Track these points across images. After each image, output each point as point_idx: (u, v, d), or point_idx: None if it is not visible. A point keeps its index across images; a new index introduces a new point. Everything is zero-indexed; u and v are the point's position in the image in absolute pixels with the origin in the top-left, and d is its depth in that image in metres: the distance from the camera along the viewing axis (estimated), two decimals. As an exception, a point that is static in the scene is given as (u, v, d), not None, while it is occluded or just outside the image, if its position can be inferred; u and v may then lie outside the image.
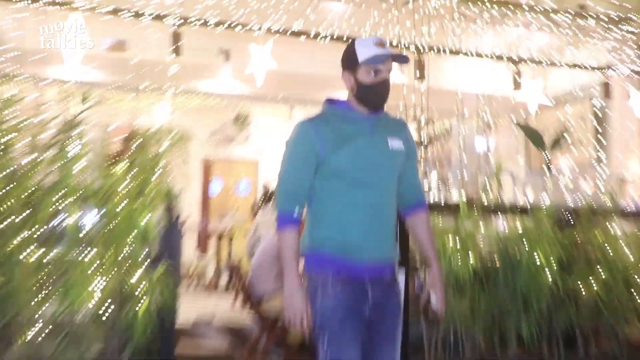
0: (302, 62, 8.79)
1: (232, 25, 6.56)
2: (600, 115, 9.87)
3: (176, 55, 6.17)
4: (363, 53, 2.79)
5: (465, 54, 7.90)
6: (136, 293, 3.37)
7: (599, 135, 9.82)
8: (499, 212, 4.74)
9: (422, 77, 7.43)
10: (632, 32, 8.53)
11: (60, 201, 3.34)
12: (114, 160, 3.73)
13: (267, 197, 9.41)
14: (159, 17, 6.10)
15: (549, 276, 4.26)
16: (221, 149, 14.11)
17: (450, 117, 11.67)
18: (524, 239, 4.37)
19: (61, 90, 4.06)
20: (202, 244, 8.57)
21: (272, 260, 5.98)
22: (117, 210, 3.35)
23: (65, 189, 3.33)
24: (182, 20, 6.24)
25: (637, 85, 8.87)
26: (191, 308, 7.71)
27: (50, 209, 3.33)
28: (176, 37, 6.15)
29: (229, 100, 11.90)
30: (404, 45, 6.95)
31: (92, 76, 8.89)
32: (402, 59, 2.92)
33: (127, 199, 3.35)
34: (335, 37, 6.87)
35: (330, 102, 2.95)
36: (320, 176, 2.80)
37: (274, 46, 7.00)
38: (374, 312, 2.77)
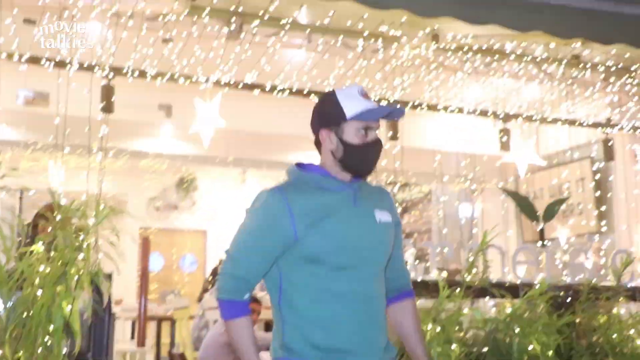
0: (256, 119, 8.87)
1: (174, 77, 6.62)
2: (601, 179, 10.03)
3: (108, 111, 6.17)
4: (351, 107, 2.59)
5: (445, 109, 8.05)
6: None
7: (600, 203, 9.96)
8: (485, 292, 4.76)
9: (394, 137, 7.53)
10: (635, 85, 8.67)
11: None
12: (30, 237, 3.68)
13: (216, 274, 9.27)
14: (88, 68, 6.13)
15: (546, 368, 4.27)
16: (163, 218, 14.08)
17: (429, 181, 11.82)
18: (514, 324, 4.38)
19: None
20: (140, 331, 8.37)
21: (222, 350, 5.95)
22: (33, 297, 3.29)
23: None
24: (114, 72, 6.28)
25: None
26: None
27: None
28: (108, 90, 6.16)
29: (171, 162, 11.89)
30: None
31: (6, 134, 8.84)
32: (398, 113, 2.71)
33: (46, 284, 3.30)
34: (294, 90, 6.96)
35: (301, 167, 2.71)
36: (292, 261, 2.57)
37: (223, 101, 7.06)
38: None
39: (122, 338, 10.36)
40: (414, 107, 7.76)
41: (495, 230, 4.79)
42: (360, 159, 2.63)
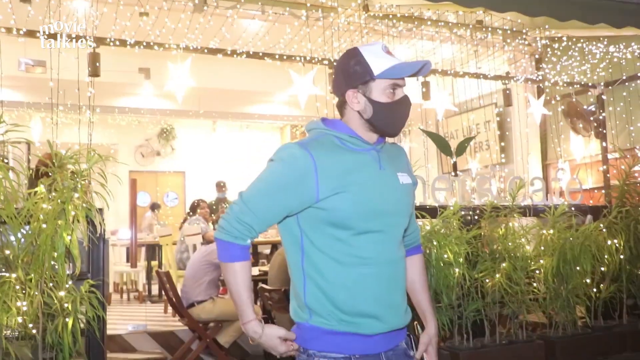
0: (221, 78, 8.85)
1: (150, 45, 6.50)
2: (502, 120, 10.31)
3: (94, 75, 6.05)
4: (377, 64, 2.04)
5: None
6: (63, 309, 3.30)
7: (501, 140, 10.24)
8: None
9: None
10: (526, 45, 8.93)
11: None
12: (34, 181, 3.65)
13: (194, 208, 9.40)
14: (76, 38, 5.98)
15: (458, 271, 4.39)
16: (148, 162, 14.07)
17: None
18: (433, 238, 4.47)
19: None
20: (132, 255, 8.42)
21: (203, 269, 5.99)
22: (39, 230, 3.28)
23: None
24: (97, 42, 6.12)
25: (534, 94, 9.25)
26: (123, 318, 7.60)
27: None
28: (93, 57, 6.03)
29: (152, 116, 11.84)
30: (317, 59, 7.03)
31: (10, 96, 8.66)
32: (426, 70, 2.10)
33: (49, 219, 3.28)
34: (251, 53, 6.89)
35: (327, 123, 2.15)
36: (314, 224, 2.05)
37: (192, 63, 6.98)
38: None
39: (119, 261, 10.36)
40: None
41: (419, 164, 4.87)
42: (389, 118, 2.09)
